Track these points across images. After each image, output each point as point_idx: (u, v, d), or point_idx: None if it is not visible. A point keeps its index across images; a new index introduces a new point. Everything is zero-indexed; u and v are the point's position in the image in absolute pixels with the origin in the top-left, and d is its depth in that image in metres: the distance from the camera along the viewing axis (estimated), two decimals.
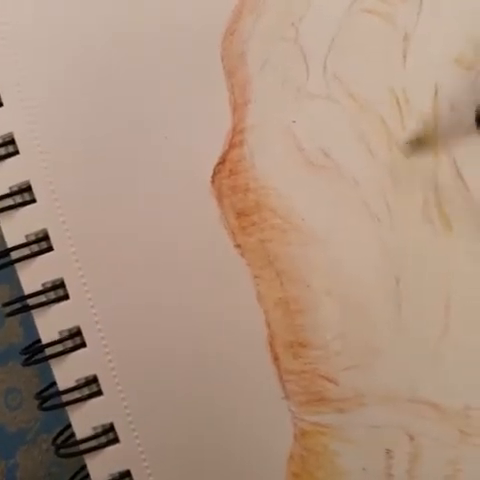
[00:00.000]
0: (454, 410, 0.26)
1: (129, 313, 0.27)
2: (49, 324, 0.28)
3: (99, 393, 0.28)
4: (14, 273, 0.28)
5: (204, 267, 0.27)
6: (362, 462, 0.26)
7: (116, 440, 0.28)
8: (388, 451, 0.26)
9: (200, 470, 0.27)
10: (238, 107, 0.26)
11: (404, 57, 0.26)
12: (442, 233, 0.25)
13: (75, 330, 0.28)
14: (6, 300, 0.29)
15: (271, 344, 0.26)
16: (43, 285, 0.28)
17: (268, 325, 0.26)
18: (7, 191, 0.28)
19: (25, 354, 0.29)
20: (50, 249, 0.28)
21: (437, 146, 0.25)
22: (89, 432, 0.28)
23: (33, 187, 0.28)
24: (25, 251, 0.28)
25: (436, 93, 0.25)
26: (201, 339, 0.27)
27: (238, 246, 0.26)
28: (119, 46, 0.27)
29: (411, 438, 0.26)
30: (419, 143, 0.25)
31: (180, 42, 0.27)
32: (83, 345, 0.28)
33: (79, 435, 0.28)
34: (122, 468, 0.28)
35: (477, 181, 0.25)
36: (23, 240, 0.28)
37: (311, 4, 0.26)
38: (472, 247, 0.25)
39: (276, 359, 0.26)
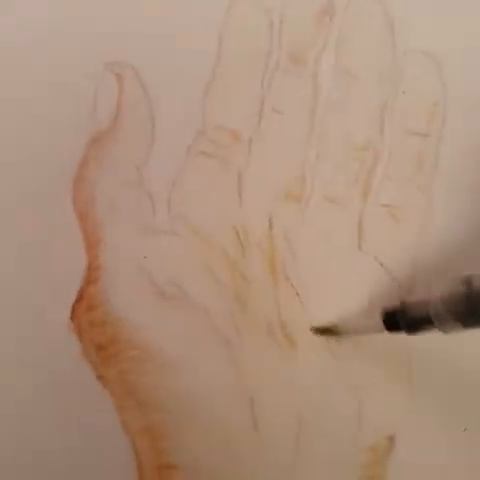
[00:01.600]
0: None
1: None
2: None
3: None
4: None
5: (68, 399, 0.28)
6: None
7: None
8: None
9: None
10: (92, 246, 0.28)
11: (239, 195, 0.28)
12: (287, 351, 0.28)
13: None
14: None
15: (140, 470, 0.28)
16: None
17: (135, 452, 0.28)
18: None
19: None
20: None
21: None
22: None
23: None
24: None
25: (270, 226, 0.28)
26: (64, 467, 0.28)
27: (100, 378, 0.28)
28: None
29: None
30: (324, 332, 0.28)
31: (32, 189, 0.28)
32: None
33: None
34: None
35: (314, 303, 0.28)
36: None
37: (153, 148, 0.28)
38: (315, 363, 0.28)
39: None
